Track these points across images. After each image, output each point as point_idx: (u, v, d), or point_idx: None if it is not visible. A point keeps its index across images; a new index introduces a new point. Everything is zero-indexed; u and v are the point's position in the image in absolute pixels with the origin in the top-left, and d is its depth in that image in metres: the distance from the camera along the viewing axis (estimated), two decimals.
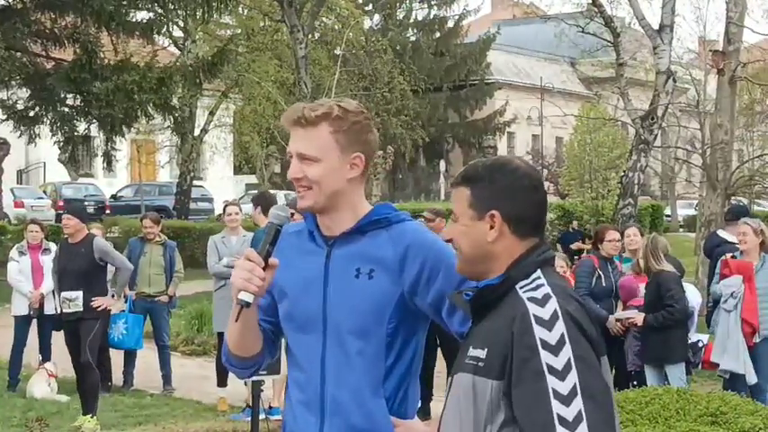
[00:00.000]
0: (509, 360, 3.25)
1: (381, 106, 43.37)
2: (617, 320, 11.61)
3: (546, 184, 48.50)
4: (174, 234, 25.07)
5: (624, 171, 25.18)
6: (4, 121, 28.00)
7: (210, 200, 46.75)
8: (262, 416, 8.36)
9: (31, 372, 14.66)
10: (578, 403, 3.16)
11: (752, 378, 11.73)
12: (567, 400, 3.16)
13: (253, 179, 50.21)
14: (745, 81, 27.87)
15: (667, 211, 49.48)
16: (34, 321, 15.07)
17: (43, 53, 27.79)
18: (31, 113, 27.79)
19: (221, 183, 51.05)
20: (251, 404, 9.35)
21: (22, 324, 15.28)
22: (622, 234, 13.95)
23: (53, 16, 27.11)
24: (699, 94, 34.16)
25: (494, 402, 3.29)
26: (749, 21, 26.86)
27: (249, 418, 9.94)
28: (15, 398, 14.15)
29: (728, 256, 12.42)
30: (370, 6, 50.00)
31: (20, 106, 27.93)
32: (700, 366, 13.70)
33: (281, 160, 45.68)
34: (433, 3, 52.06)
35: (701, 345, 13.85)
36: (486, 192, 3.44)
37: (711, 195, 23.27)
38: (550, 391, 3.17)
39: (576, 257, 14.41)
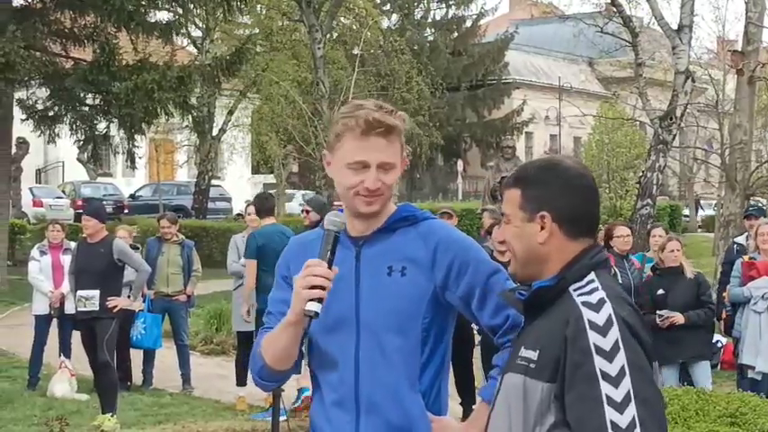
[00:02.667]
0: (562, 363, 3.26)
1: (399, 106, 43.00)
2: (660, 318, 11.58)
3: None
4: (193, 233, 25.15)
5: (643, 171, 25.15)
6: (23, 120, 28.01)
7: (229, 199, 46.77)
8: (283, 417, 8.36)
9: (51, 371, 14.71)
10: (632, 410, 3.15)
11: None
12: (620, 406, 3.15)
13: (271, 179, 50.24)
14: (764, 81, 27.76)
15: (686, 211, 49.40)
16: (54, 321, 15.18)
17: (62, 53, 27.77)
18: (51, 113, 27.80)
19: (239, 182, 51.10)
20: (272, 404, 9.38)
21: (42, 323, 15.32)
22: (648, 233, 14.02)
23: (73, 16, 27.11)
24: (717, 94, 34.00)
25: (543, 404, 3.30)
26: None
27: (270, 418, 9.98)
28: (35, 396, 14.19)
29: (746, 258, 12.41)
30: (388, 6, 50.02)
31: (39, 106, 27.91)
32: (719, 367, 13.72)
33: (299, 160, 45.67)
34: (450, 2, 52.07)
35: (719, 345, 13.87)
36: (536, 193, 3.44)
37: (730, 195, 23.19)
38: (604, 397, 3.16)
39: None
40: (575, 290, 3.35)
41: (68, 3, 26.73)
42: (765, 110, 37.88)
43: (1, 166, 27.21)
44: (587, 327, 3.22)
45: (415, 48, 46.00)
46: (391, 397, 3.88)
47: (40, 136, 29.56)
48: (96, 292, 12.39)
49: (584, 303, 3.28)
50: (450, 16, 52.26)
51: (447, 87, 45.30)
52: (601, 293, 3.31)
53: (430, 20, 51.84)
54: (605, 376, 3.16)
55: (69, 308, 13.46)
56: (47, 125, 28.17)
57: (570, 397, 3.22)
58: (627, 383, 3.16)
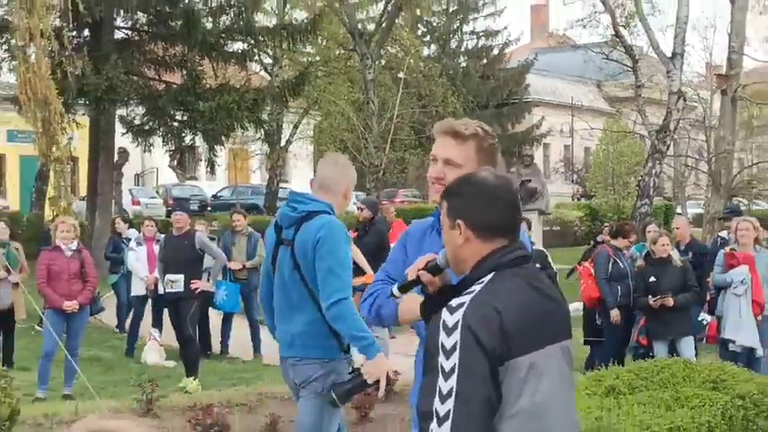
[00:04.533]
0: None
1: (435, 121, 42.98)
2: (654, 301, 11.60)
3: (575, 186, 47.79)
4: (264, 228, 25.09)
5: (641, 176, 25.04)
6: (124, 134, 28.11)
7: None
8: None
9: (145, 342, 14.87)
10: (450, 404, 3.08)
11: (760, 351, 11.74)
12: (444, 398, 3.09)
13: None
14: (744, 100, 27.60)
15: (678, 209, 49.05)
16: (149, 300, 15.29)
17: (156, 77, 27.78)
18: (146, 127, 27.77)
19: (303, 184, 51.14)
20: None
21: (139, 303, 15.49)
22: (644, 228, 14.06)
23: (164, 46, 27.12)
24: (705, 111, 33.81)
25: None
26: (748, 49, 26.49)
27: None
28: (132, 363, 14.34)
29: (728, 249, 12.41)
30: (428, 37, 49.92)
31: (137, 121, 27.89)
32: (704, 341, 13.66)
33: (354, 167, 45.76)
34: (480, 34, 51.89)
35: (705, 323, 13.80)
36: (455, 203, 3.39)
37: (715, 197, 23.09)
38: (437, 387, 3.09)
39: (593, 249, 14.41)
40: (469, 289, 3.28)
41: (161, 35, 26.81)
42: (746, 124, 37.60)
43: (106, 172, 27.19)
44: (441, 326, 3.16)
45: (450, 72, 45.83)
46: None
47: (137, 146, 29.54)
48: (181, 277, 12.49)
49: (447, 307, 3.20)
50: (479, 46, 52.07)
51: (477, 106, 45.08)
52: (466, 298, 3.21)
53: (463, 49, 51.67)
54: (442, 371, 3.10)
55: (160, 289, 13.58)
56: (143, 137, 28.20)
57: (423, 384, 3.20)
58: (453, 380, 3.08)
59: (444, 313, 3.17)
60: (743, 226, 12.35)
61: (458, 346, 3.09)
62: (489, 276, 3.27)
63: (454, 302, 3.18)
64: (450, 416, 3.05)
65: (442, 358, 3.10)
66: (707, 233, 22.20)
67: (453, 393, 3.06)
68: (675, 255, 12.32)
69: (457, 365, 3.08)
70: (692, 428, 8.71)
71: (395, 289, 3.72)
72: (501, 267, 3.30)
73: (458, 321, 3.12)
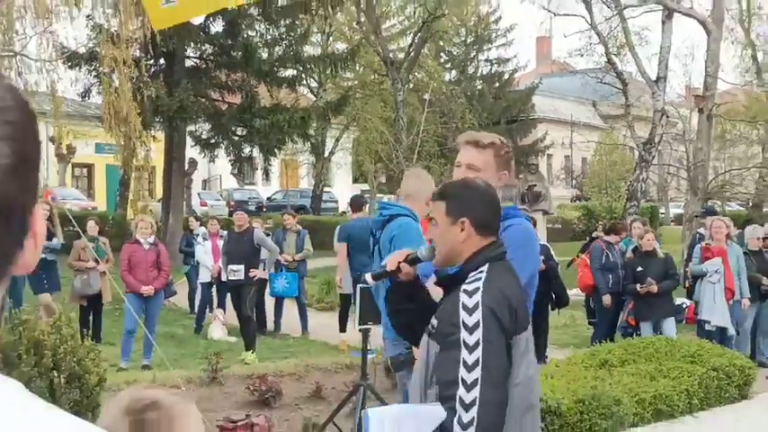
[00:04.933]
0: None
1: (455, 135, 42.67)
2: (641, 288, 11.50)
3: (574, 190, 47.28)
4: (311, 225, 25.12)
5: (630, 182, 24.79)
6: (192, 146, 28.03)
7: (336, 201, 46.37)
8: (371, 354, 8.31)
9: (211, 321, 14.86)
10: (477, 372, 3.03)
11: (731, 330, 11.65)
12: (470, 368, 3.03)
13: (365, 187, 50.07)
14: (718, 117, 27.26)
15: (662, 210, 48.56)
16: (214, 286, 15.28)
17: (220, 98, 27.47)
18: (212, 141, 27.56)
19: (344, 189, 51.00)
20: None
21: (206, 288, 15.47)
22: (631, 225, 13.95)
23: (227, 73, 26.89)
24: (685, 126, 33.34)
25: (436, 359, 3.20)
26: (722, 74, 26.24)
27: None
28: (199, 339, 14.30)
29: (704, 244, 12.33)
30: (449, 64, 49.44)
31: (204, 136, 27.71)
32: (684, 322, 13.52)
33: (386, 173, 45.43)
34: (493, 61, 51.33)
35: (684, 306, 13.67)
36: (457, 204, 3.33)
37: (693, 199, 22.80)
38: (461, 360, 3.05)
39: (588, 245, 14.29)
40: (468, 277, 3.24)
41: (224, 64, 26.57)
42: (720, 138, 37.14)
43: (178, 178, 27.04)
44: (461, 308, 3.11)
45: (468, 94, 45.28)
46: None
47: (204, 157, 29.27)
48: (242, 267, 12.46)
49: (464, 291, 3.17)
50: (493, 71, 51.38)
51: (491, 122, 44.57)
52: (478, 284, 3.18)
53: (479, 74, 51.06)
54: (465, 345, 3.05)
55: (223, 277, 13.55)
56: (209, 150, 28.00)
57: (440, 357, 3.13)
58: (478, 352, 3.04)
59: (463, 296, 3.13)
60: (716, 224, 12.29)
61: (480, 324, 3.06)
62: (486, 267, 3.24)
63: (469, 287, 3.15)
64: (479, 383, 3.02)
65: (465, 334, 3.06)
66: (686, 230, 21.97)
67: (480, 363, 3.03)
68: (659, 248, 12.23)
69: (480, 339, 3.04)
70: (673, 395, 8.65)
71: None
72: (493, 260, 3.28)
73: (477, 302, 3.10)
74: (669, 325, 11.62)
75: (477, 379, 3.02)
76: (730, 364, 9.55)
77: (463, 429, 2.99)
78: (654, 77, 23.52)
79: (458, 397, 3.01)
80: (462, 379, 3.02)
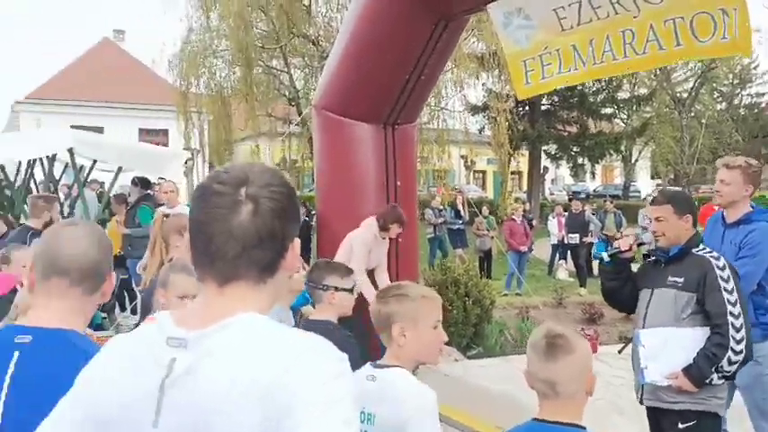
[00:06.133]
0: (701, 284, 3.87)
1: (726, 147, 42.85)
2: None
3: None
4: (623, 208, 24.16)
5: None
6: (545, 159, 33.27)
7: (639, 191, 46.49)
8: None
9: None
10: (739, 307, 3.78)
11: None
12: (732, 300, 3.77)
13: (659, 181, 49.57)
14: None
15: None
16: None
17: (563, 129, 32.36)
18: (557, 155, 33.31)
19: (644, 183, 50.94)
20: None
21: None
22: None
23: (567, 112, 32.58)
24: None
25: (687, 304, 3.91)
26: None
27: None
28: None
29: None
30: (720, 98, 49.41)
31: (552, 152, 33.07)
32: None
33: (674, 172, 45.64)
34: (753, 95, 50.15)
35: None
36: (685, 205, 4.01)
37: None
38: (725, 296, 3.78)
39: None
40: (696, 251, 3.96)
41: (566, 106, 32.47)
42: None
43: (536, 178, 32.34)
44: (715, 267, 3.84)
45: (734, 118, 46.24)
46: None
47: (553, 164, 35.01)
48: (577, 234, 14.72)
49: (711, 256, 3.88)
50: (753, 102, 49.85)
51: (751, 136, 45.57)
52: (714, 253, 3.92)
53: (742, 104, 49.45)
54: (726, 291, 3.79)
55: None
56: (555, 161, 34.41)
57: (710, 297, 3.85)
58: (736, 294, 3.80)
59: (714, 262, 3.87)
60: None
61: (730, 277, 3.83)
62: (702, 245, 3.99)
63: (712, 255, 3.92)
64: (741, 313, 3.79)
65: (724, 284, 3.77)
66: None
67: (739, 301, 3.80)
68: None
69: (734, 287, 3.80)
70: None
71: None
72: (701, 242, 4.04)
73: (724, 264, 3.85)
74: None
75: (740, 312, 3.74)
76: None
77: (737, 343, 3.75)
78: None
79: (730, 322, 3.73)
80: (730, 312, 3.71)
